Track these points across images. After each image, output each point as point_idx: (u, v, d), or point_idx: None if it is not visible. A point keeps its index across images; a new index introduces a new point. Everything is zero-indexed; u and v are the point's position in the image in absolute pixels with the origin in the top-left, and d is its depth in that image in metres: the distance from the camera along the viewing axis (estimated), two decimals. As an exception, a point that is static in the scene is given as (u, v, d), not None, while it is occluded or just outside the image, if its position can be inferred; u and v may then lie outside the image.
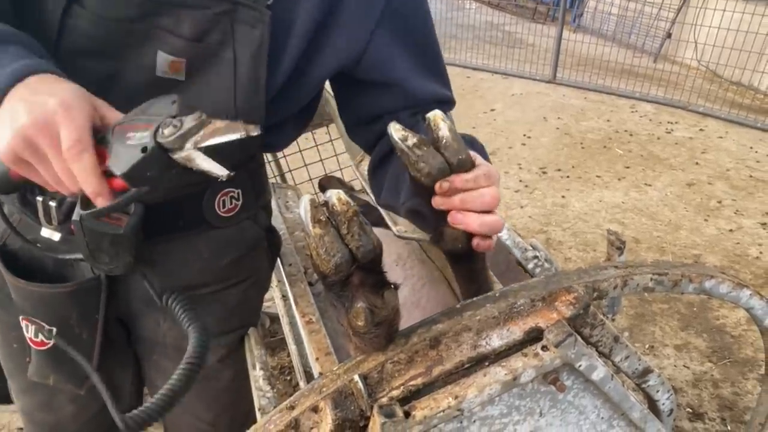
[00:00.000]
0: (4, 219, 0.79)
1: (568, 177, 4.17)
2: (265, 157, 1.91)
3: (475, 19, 8.16)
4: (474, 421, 0.68)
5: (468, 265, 0.82)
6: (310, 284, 1.20)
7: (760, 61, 5.35)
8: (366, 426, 0.62)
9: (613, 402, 0.77)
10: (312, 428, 0.63)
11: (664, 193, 3.95)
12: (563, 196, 3.89)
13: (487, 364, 0.66)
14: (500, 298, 0.71)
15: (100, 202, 0.65)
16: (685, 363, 2.49)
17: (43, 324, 0.88)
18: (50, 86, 0.62)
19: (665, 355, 2.54)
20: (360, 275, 0.60)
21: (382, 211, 1.51)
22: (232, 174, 0.60)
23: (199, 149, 0.59)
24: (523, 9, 9.14)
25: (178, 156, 0.59)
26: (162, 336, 1.00)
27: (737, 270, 3.11)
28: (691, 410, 2.25)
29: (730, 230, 3.51)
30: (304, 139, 2.15)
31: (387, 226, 1.48)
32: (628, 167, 4.32)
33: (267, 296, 1.20)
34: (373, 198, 1.05)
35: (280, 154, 2.28)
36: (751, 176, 4.19)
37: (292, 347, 1.18)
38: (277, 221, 1.40)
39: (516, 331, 0.68)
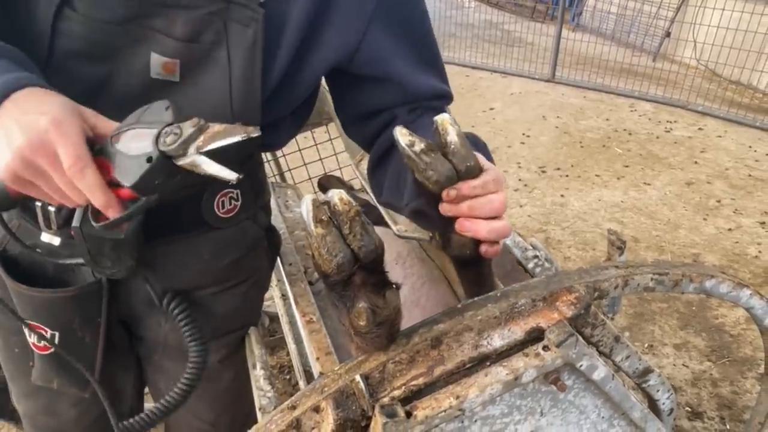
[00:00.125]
0: (3, 225, 0.78)
1: (567, 176, 4.17)
2: (264, 156, 1.91)
3: (474, 17, 8.15)
4: (475, 421, 0.68)
5: (475, 269, 0.80)
6: (310, 283, 1.20)
7: (759, 60, 5.35)
8: (367, 426, 0.62)
9: (614, 401, 0.77)
10: (313, 428, 0.63)
11: (663, 192, 3.95)
12: (562, 195, 3.89)
13: (488, 364, 0.66)
14: (501, 298, 0.71)
15: (111, 214, 0.65)
16: (684, 362, 2.50)
17: (46, 329, 0.88)
18: (39, 103, 0.62)
19: (664, 354, 2.54)
20: (362, 275, 0.60)
21: (382, 210, 1.51)
22: (241, 177, 0.60)
23: (203, 154, 0.59)
24: (522, 7, 9.14)
25: (182, 162, 0.59)
26: (164, 337, 1.00)
27: (736, 269, 3.11)
28: (690, 409, 2.26)
29: (729, 229, 3.51)
30: (303, 138, 2.15)
31: (387, 225, 1.48)
32: (627, 166, 4.32)
33: (266, 295, 1.20)
34: (373, 197, 1.04)
35: (279, 153, 2.28)
36: (750, 175, 4.19)
37: (291, 346, 1.18)
38: (276, 221, 1.40)
39: (517, 331, 0.68)
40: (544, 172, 4.23)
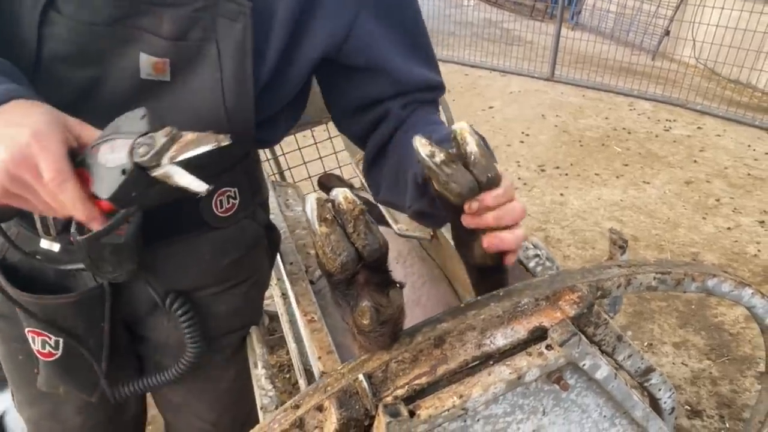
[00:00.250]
0: (1, 233, 0.78)
1: (566, 175, 4.17)
2: (264, 154, 1.90)
3: (473, 16, 8.15)
4: (478, 420, 0.68)
5: (496, 276, 0.79)
6: (311, 282, 1.20)
7: (758, 59, 5.36)
8: (371, 425, 0.62)
9: (616, 400, 0.77)
10: (317, 427, 0.63)
11: (662, 191, 3.96)
12: (562, 194, 3.89)
13: (491, 363, 0.66)
14: (504, 297, 0.71)
15: (95, 226, 0.64)
16: (683, 360, 2.50)
17: (50, 335, 0.88)
18: (22, 115, 0.61)
19: (664, 352, 2.54)
20: (365, 274, 0.60)
21: (383, 209, 1.51)
22: (211, 188, 0.59)
23: (176, 164, 0.58)
24: (521, 6, 9.14)
25: (156, 173, 0.59)
26: (165, 336, 1.00)
27: (735, 268, 3.11)
28: (689, 408, 2.26)
29: (728, 228, 3.52)
30: (303, 137, 2.15)
31: (387, 224, 1.48)
32: (626, 165, 4.32)
33: (266, 294, 1.20)
34: (371, 194, 1.04)
35: (279, 152, 2.28)
36: (749, 174, 4.20)
37: (291, 345, 1.18)
38: (277, 219, 1.40)
39: (520, 330, 0.68)
40: (543, 170, 4.24)
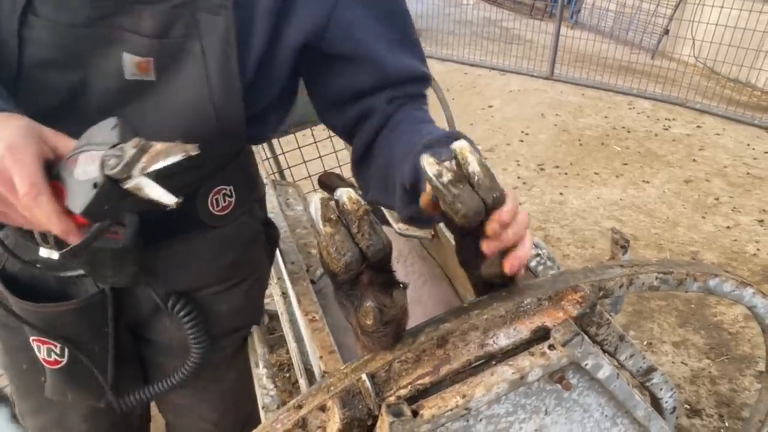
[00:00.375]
0: (0, 243, 0.77)
1: (566, 174, 4.17)
2: (264, 153, 1.89)
3: (472, 15, 8.15)
4: (480, 420, 0.68)
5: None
6: (312, 282, 1.20)
7: (758, 58, 5.36)
8: (374, 425, 0.62)
9: (618, 400, 0.77)
10: (319, 427, 0.63)
11: (661, 190, 3.96)
12: (561, 193, 3.90)
13: (494, 363, 0.66)
14: (507, 297, 0.71)
15: (72, 240, 0.64)
16: (683, 359, 2.51)
17: (55, 343, 0.87)
18: None
19: (663, 351, 2.55)
20: (369, 274, 0.60)
21: (383, 209, 1.51)
22: (180, 201, 0.58)
23: (147, 176, 0.57)
24: (520, 5, 9.13)
25: (128, 185, 0.58)
26: (169, 339, 1.00)
27: (734, 267, 3.12)
28: (689, 406, 2.26)
29: (728, 227, 3.52)
30: (303, 136, 2.15)
31: (388, 223, 1.48)
32: (625, 164, 4.33)
33: (266, 293, 1.20)
34: (362, 192, 1.02)
35: (278, 151, 2.28)
36: (748, 173, 4.20)
37: (292, 345, 1.18)
38: (278, 219, 1.40)
39: (523, 330, 0.68)
40: (542, 170, 4.24)
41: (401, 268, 1.49)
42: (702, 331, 2.67)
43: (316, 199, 0.58)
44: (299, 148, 2.21)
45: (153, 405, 1.19)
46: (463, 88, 5.94)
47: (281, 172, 2.34)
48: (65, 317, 0.86)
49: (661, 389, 0.87)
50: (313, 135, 2.15)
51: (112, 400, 0.94)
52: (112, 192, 0.58)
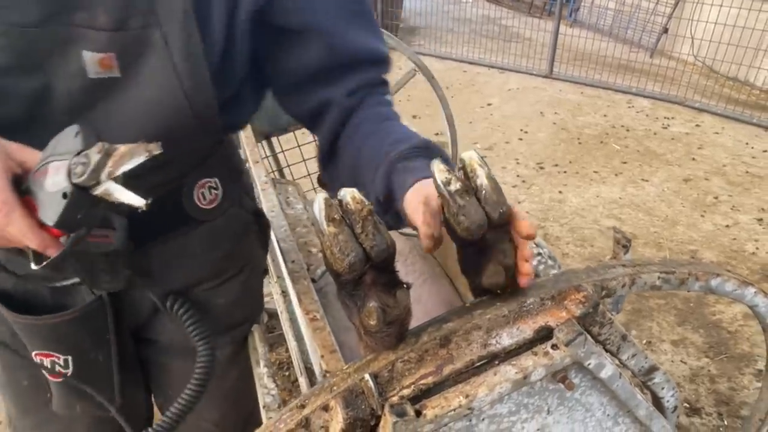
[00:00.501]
0: None
1: (565, 172, 4.18)
2: (263, 152, 1.89)
3: (471, 12, 8.15)
4: (483, 419, 0.67)
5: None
6: (313, 281, 1.20)
7: (757, 56, 5.36)
8: (377, 425, 0.62)
9: (620, 399, 0.77)
10: (322, 427, 0.62)
11: (660, 188, 3.96)
12: (560, 192, 3.90)
13: (497, 362, 0.66)
14: (510, 297, 0.71)
15: (51, 252, 0.63)
16: (682, 358, 2.51)
17: (58, 355, 0.86)
18: None
19: (662, 350, 2.55)
20: (373, 274, 0.60)
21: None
22: (149, 202, 0.58)
23: (114, 180, 0.57)
24: (519, 3, 9.13)
25: (98, 191, 0.57)
26: (170, 338, 0.99)
27: (733, 265, 3.12)
28: (688, 405, 2.27)
29: (727, 226, 3.53)
30: (302, 134, 2.15)
31: (389, 222, 1.48)
32: (624, 163, 4.33)
33: (265, 292, 1.20)
34: (329, 185, 0.99)
35: (278, 149, 2.27)
36: (747, 172, 4.21)
37: (292, 344, 1.18)
38: (278, 218, 1.40)
39: (526, 329, 0.68)
40: (542, 168, 4.24)
41: (402, 267, 1.49)
42: (701, 329, 2.68)
43: (319, 198, 0.57)
44: (299, 146, 2.21)
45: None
46: (462, 86, 5.94)
47: (281, 171, 2.34)
48: (66, 327, 0.85)
49: (663, 388, 0.87)
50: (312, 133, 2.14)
51: (117, 408, 0.93)
52: (82, 200, 0.58)
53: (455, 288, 1.47)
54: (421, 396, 0.63)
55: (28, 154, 0.63)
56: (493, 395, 0.64)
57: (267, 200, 1.42)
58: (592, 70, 6.13)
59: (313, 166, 2.18)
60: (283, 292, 1.25)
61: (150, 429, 0.88)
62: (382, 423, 0.61)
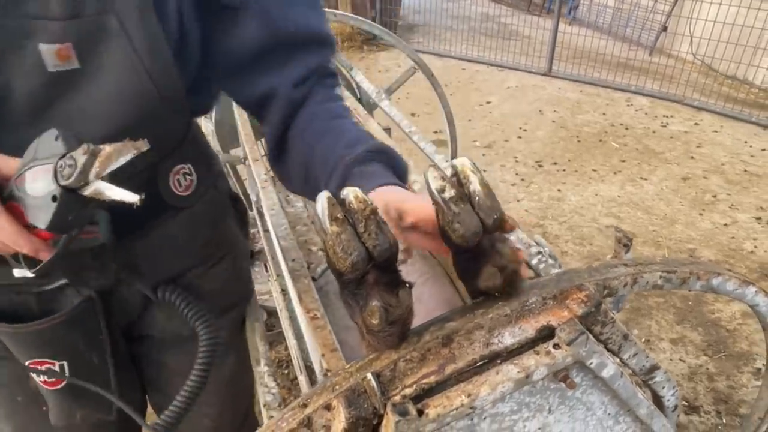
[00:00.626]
0: None
1: (564, 170, 4.18)
2: (263, 151, 1.89)
3: (470, 10, 8.15)
4: (485, 418, 0.68)
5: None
6: (314, 279, 1.20)
7: (755, 55, 5.37)
8: (379, 424, 0.62)
9: (621, 398, 0.77)
10: (324, 426, 0.62)
11: (659, 187, 3.97)
12: (559, 190, 3.90)
13: (499, 362, 0.66)
14: (512, 296, 0.71)
15: (44, 256, 0.63)
16: (680, 357, 2.51)
17: (53, 361, 0.85)
18: None
19: (661, 348, 2.55)
20: (375, 274, 0.59)
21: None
22: (143, 197, 0.58)
23: (103, 179, 0.57)
24: (518, 1, 9.12)
25: (87, 192, 0.57)
26: (161, 331, 0.99)
27: (732, 264, 3.13)
28: (686, 403, 2.27)
29: (725, 224, 3.53)
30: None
31: (389, 221, 1.48)
32: (623, 161, 4.33)
33: (264, 290, 1.20)
34: (279, 180, 0.97)
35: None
36: (745, 171, 4.21)
37: (291, 342, 1.18)
38: (278, 216, 1.39)
39: (528, 329, 0.68)
40: (541, 166, 4.24)
41: (402, 267, 1.49)
42: (700, 328, 2.68)
43: (322, 197, 0.57)
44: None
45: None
46: (461, 84, 5.93)
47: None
48: (56, 332, 0.83)
49: (664, 387, 0.87)
50: (312, 131, 2.14)
51: (119, 408, 0.92)
52: (72, 201, 0.58)
53: (456, 288, 1.47)
54: (423, 395, 0.63)
55: (4, 162, 0.62)
56: (495, 394, 0.64)
57: (267, 198, 1.42)
58: (591, 68, 6.14)
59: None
60: (282, 290, 1.24)
61: (160, 416, 0.88)
62: (384, 422, 0.61)
